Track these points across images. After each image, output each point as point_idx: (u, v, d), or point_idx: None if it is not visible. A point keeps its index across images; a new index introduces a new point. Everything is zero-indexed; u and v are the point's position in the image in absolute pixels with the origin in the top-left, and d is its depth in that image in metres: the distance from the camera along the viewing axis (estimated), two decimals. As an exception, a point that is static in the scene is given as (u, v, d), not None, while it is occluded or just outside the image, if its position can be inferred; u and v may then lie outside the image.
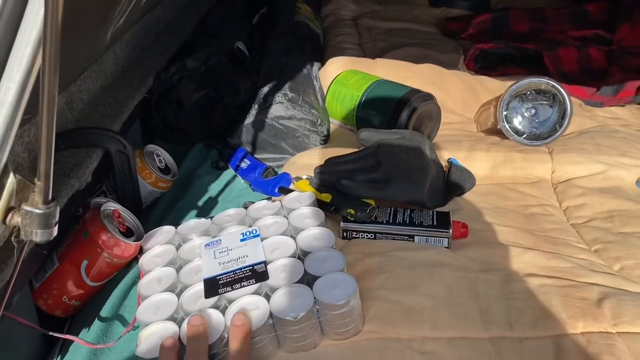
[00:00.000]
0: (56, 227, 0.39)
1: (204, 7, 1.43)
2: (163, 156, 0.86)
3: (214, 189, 0.89)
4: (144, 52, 1.07)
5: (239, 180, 0.92)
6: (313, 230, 0.67)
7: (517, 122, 0.95)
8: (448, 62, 1.42)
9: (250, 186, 0.88)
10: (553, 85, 0.93)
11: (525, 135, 0.95)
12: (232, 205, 0.78)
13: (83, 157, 0.71)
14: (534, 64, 1.38)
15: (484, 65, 1.41)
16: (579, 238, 0.77)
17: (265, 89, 0.97)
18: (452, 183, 0.83)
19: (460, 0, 1.99)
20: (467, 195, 0.83)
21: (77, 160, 0.70)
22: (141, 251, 0.70)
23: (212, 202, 0.87)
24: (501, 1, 2.03)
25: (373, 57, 1.31)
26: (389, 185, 0.76)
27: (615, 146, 0.92)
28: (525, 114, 0.95)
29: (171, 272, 0.64)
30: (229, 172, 0.94)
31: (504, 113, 0.94)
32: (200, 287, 0.60)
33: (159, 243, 0.70)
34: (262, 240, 0.66)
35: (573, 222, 0.81)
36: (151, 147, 0.85)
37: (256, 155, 0.99)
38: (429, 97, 0.96)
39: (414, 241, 0.72)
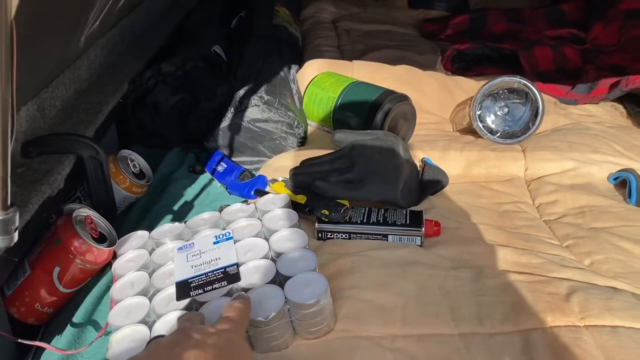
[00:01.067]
0: (16, 233, 0.39)
1: (182, 11, 1.43)
2: (137, 161, 0.86)
3: (190, 193, 0.89)
4: (120, 58, 1.07)
5: (216, 184, 0.92)
6: (286, 232, 0.67)
7: (490, 121, 0.97)
8: (425, 63, 1.43)
9: (226, 189, 0.89)
10: (525, 84, 0.94)
11: (499, 134, 0.96)
12: (209, 209, 0.78)
13: (55, 163, 0.71)
14: (511, 63, 1.40)
15: (461, 66, 1.43)
16: (551, 234, 0.78)
17: (242, 92, 0.98)
18: (426, 182, 0.84)
19: (439, 2, 2.01)
20: (441, 194, 0.84)
21: (49, 166, 0.70)
22: (115, 256, 0.70)
23: (188, 206, 0.87)
24: (480, 2, 2.06)
25: (351, 59, 1.32)
26: (362, 186, 0.76)
27: (587, 143, 0.93)
28: (498, 113, 0.97)
29: (144, 276, 0.64)
30: (206, 176, 0.94)
31: (478, 112, 0.95)
32: (172, 290, 0.60)
33: (133, 248, 0.70)
34: (235, 243, 0.66)
35: (546, 218, 0.82)
36: (125, 152, 0.85)
37: (233, 159, 0.99)
38: (403, 98, 0.97)
39: (387, 240, 0.73)
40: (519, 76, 0.96)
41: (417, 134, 1.03)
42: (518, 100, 0.96)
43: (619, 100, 1.24)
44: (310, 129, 1.07)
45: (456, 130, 1.07)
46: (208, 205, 0.87)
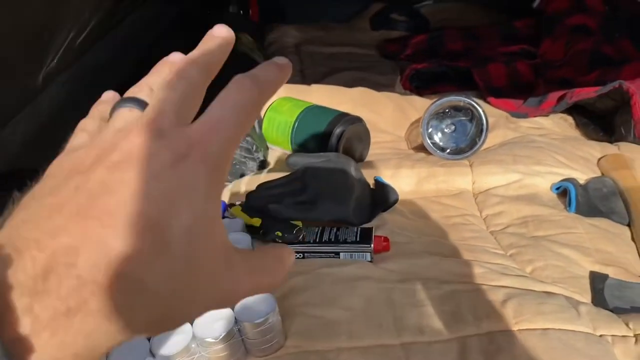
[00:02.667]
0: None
1: (146, 44, 1.47)
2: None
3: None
4: (82, 92, 1.10)
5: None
6: (239, 254, 0.70)
7: (438, 138, 1.01)
8: (385, 83, 1.48)
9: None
10: (469, 103, 0.99)
11: (448, 150, 1.01)
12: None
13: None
14: (466, 80, 1.45)
15: (419, 84, 1.48)
16: (496, 244, 0.82)
17: (201, 121, 1.01)
18: (378, 200, 0.88)
19: (399, 23, 2.08)
20: (393, 210, 0.88)
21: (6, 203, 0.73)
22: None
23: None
24: (439, 22, 2.13)
25: (314, 82, 1.37)
26: (315, 207, 0.80)
27: (531, 155, 0.98)
28: (446, 130, 1.01)
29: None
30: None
31: (426, 131, 1.00)
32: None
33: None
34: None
35: (492, 229, 0.86)
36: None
37: (196, 185, 1.02)
38: (356, 120, 1.01)
39: (339, 258, 0.76)
40: (464, 95, 1.01)
41: (374, 152, 1.08)
42: (464, 118, 1.01)
43: (569, 111, 1.30)
44: (272, 152, 1.11)
45: (411, 148, 1.12)
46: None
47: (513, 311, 0.64)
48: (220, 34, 0.30)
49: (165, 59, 0.32)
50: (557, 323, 0.62)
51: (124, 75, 1.23)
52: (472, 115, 1.01)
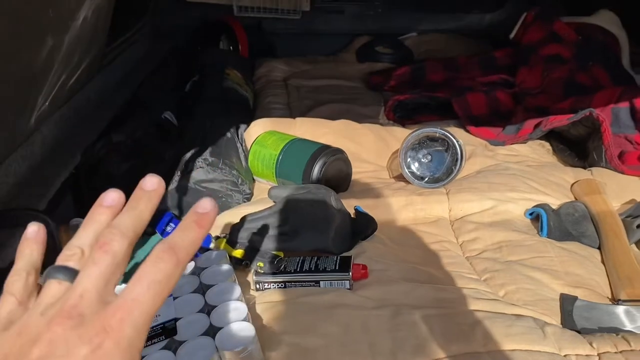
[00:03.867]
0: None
1: (137, 81, 1.52)
2: (88, 228, 0.92)
3: (139, 254, 0.95)
4: (74, 130, 1.14)
5: (166, 243, 0.98)
6: (221, 286, 0.73)
7: (415, 168, 1.05)
8: (369, 115, 1.54)
9: (174, 248, 0.95)
10: (443, 133, 1.03)
11: (426, 179, 1.05)
12: (158, 268, 0.84)
13: (7, 237, 0.77)
14: (447, 110, 1.50)
15: (402, 115, 1.53)
16: (471, 269, 0.85)
17: (188, 155, 1.05)
18: (357, 229, 0.91)
19: (384, 55, 2.15)
20: (372, 239, 0.91)
21: (1, 240, 0.76)
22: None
23: (137, 266, 0.92)
24: (423, 53, 2.20)
25: (300, 114, 1.42)
26: (295, 237, 0.83)
27: (505, 182, 1.02)
28: (423, 160, 1.06)
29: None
30: (157, 237, 1.00)
31: (405, 161, 1.04)
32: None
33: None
34: (174, 299, 0.72)
35: (467, 254, 0.89)
36: (76, 220, 0.91)
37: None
38: (338, 152, 1.06)
39: (320, 286, 0.79)
40: (439, 126, 1.05)
41: (356, 182, 1.12)
42: (440, 148, 1.06)
43: (547, 138, 1.35)
44: (258, 185, 1.15)
45: (392, 177, 1.16)
46: (158, 264, 0.93)
47: (482, 334, 0.66)
48: (151, 187, 0.34)
49: (100, 201, 0.36)
50: (523, 344, 0.65)
51: (113, 112, 1.28)
52: (447, 145, 1.05)
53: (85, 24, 1.00)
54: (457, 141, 1.02)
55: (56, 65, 0.89)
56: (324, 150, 1.05)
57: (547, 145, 1.34)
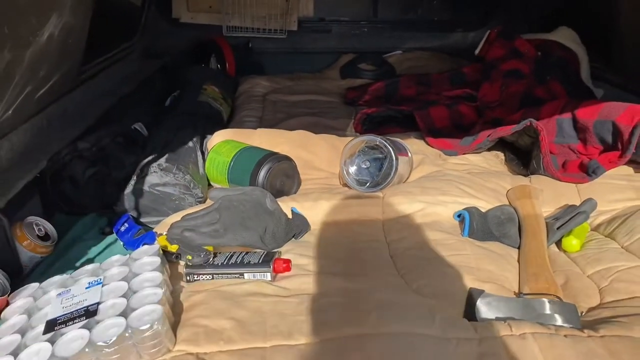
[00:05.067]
0: None
1: (118, 96, 1.61)
2: (43, 225, 1.00)
3: (93, 251, 1.03)
4: (45, 139, 1.23)
5: (120, 242, 1.05)
6: (146, 275, 0.80)
7: (355, 173, 1.12)
8: (337, 127, 1.61)
9: (124, 246, 1.02)
10: (381, 142, 1.09)
11: (368, 184, 1.11)
12: (109, 264, 0.92)
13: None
14: (413, 122, 1.56)
15: (369, 127, 1.60)
16: (392, 265, 0.91)
17: (144, 161, 1.13)
18: (292, 228, 0.97)
19: (367, 72, 2.23)
20: (307, 237, 0.98)
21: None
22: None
23: (89, 262, 1.00)
24: (405, 70, 2.27)
25: (270, 127, 1.49)
26: (225, 233, 0.90)
27: (437, 187, 1.08)
28: (363, 166, 1.12)
29: (24, 318, 0.76)
30: (113, 236, 1.08)
31: (346, 168, 1.11)
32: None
33: (23, 297, 0.82)
34: (103, 286, 0.79)
35: (392, 253, 0.95)
36: (31, 218, 0.99)
37: (142, 219, 1.13)
38: (283, 158, 1.13)
39: (244, 278, 0.86)
40: (380, 137, 1.12)
41: (307, 188, 1.19)
42: (380, 155, 1.12)
43: (502, 148, 1.40)
44: (213, 190, 1.22)
45: (341, 184, 1.22)
46: (108, 260, 1.00)
47: (377, 318, 0.72)
48: None
49: None
50: (411, 327, 0.70)
51: (87, 123, 1.36)
52: (385, 153, 1.11)
53: (52, 41, 1.09)
54: (393, 149, 1.08)
55: (17, 78, 0.98)
56: (270, 156, 1.12)
57: (501, 155, 1.39)
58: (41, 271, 0.97)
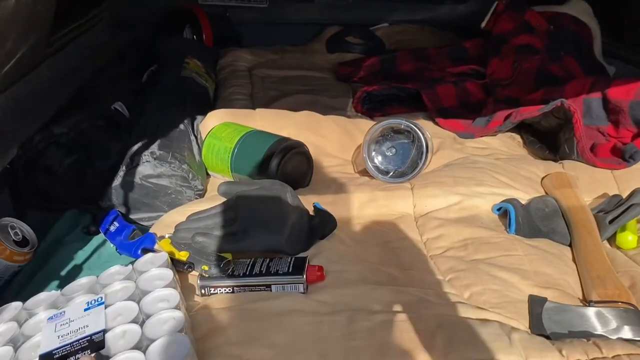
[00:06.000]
0: None
1: (89, 72, 1.43)
2: (20, 228, 0.84)
3: (80, 256, 0.88)
4: (14, 122, 1.05)
5: (109, 244, 0.90)
6: (159, 292, 0.66)
7: (379, 162, 1.00)
8: (336, 106, 1.47)
9: (116, 250, 0.87)
10: (408, 125, 0.97)
11: (391, 174, 0.99)
12: (100, 272, 0.77)
13: None
14: (417, 101, 1.44)
15: (371, 107, 1.47)
16: (435, 269, 0.80)
17: (134, 149, 0.98)
18: (315, 227, 0.85)
19: (355, 45, 2.09)
20: (331, 238, 0.85)
21: None
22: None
23: (77, 270, 0.85)
24: (394, 44, 2.14)
25: (263, 106, 1.34)
26: (245, 237, 0.77)
27: (472, 177, 0.97)
28: (387, 154, 1.00)
29: (8, 351, 0.62)
30: (100, 237, 0.92)
31: (368, 155, 0.98)
32: (35, 364, 0.59)
33: (3, 321, 0.67)
34: (106, 308, 0.65)
35: (432, 253, 0.84)
36: (5, 220, 0.83)
37: (131, 216, 0.98)
38: (297, 145, 0.99)
39: (272, 290, 0.73)
40: (404, 118, 0.99)
41: (320, 177, 1.05)
42: (406, 140, 1.00)
43: (517, 130, 1.31)
44: (211, 180, 1.07)
45: (357, 172, 1.09)
46: (99, 267, 0.86)
47: (443, 342, 0.61)
48: None
49: None
50: (488, 353, 0.59)
51: (58, 102, 1.19)
52: (413, 137, 0.99)
53: (19, 6, 0.91)
54: (423, 134, 0.97)
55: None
56: (282, 143, 0.98)
57: (517, 137, 1.30)
58: (20, 284, 0.81)
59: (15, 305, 0.70)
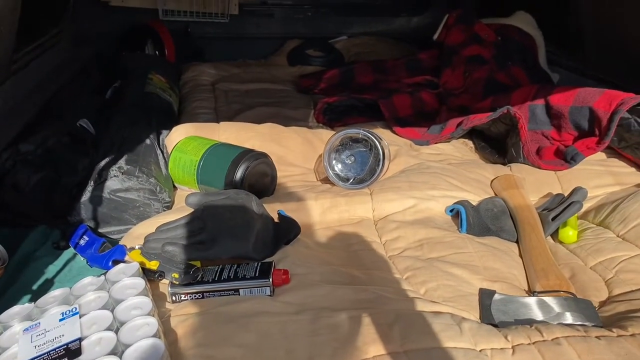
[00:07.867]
0: None
1: (52, 89, 1.44)
2: (-10, 245, 0.86)
3: (51, 270, 0.90)
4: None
5: (80, 258, 0.92)
6: (132, 301, 0.69)
7: (339, 169, 1.05)
8: (298, 118, 1.52)
9: (87, 263, 0.90)
10: (365, 135, 1.03)
11: (351, 180, 1.04)
12: (71, 284, 0.79)
13: None
14: (375, 111, 1.51)
15: (332, 117, 1.53)
16: (394, 268, 0.85)
17: (102, 164, 1.00)
18: (280, 233, 0.89)
19: (315, 58, 2.15)
20: (296, 243, 0.90)
21: None
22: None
23: (49, 284, 0.87)
24: (353, 56, 2.21)
25: (227, 119, 1.38)
26: (213, 245, 0.80)
27: (426, 181, 1.03)
28: (347, 162, 1.05)
29: (-15, 363, 0.64)
30: (70, 251, 0.95)
31: (329, 163, 1.03)
32: (13, 374, 0.61)
33: (-22, 335, 0.69)
34: (80, 317, 0.68)
35: (390, 254, 0.89)
36: (-26, 238, 0.85)
37: (101, 230, 1.01)
38: (260, 156, 1.03)
39: (239, 294, 0.77)
40: (362, 127, 1.05)
41: (283, 186, 1.10)
42: (364, 149, 1.06)
43: (469, 136, 1.38)
44: (178, 192, 1.11)
45: (319, 180, 1.14)
46: (70, 280, 0.88)
47: (400, 333, 0.66)
48: None
49: None
50: (440, 342, 0.64)
51: (24, 119, 1.20)
52: (370, 146, 1.05)
53: (-17, 27, 0.93)
54: (380, 142, 1.03)
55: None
56: (246, 154, 1.02)
57: (470, 143, 1.37)
58: (-8, 300, 0.83)
59: (-11, 319, 0.72)
